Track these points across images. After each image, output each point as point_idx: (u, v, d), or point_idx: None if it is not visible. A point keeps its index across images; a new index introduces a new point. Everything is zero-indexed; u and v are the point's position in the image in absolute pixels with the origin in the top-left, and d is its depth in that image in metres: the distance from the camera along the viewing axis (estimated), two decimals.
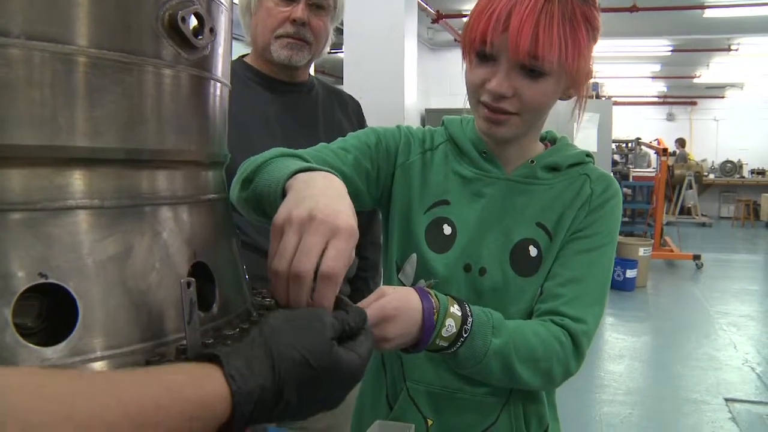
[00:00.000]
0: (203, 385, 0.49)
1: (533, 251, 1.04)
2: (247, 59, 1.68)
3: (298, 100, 1.67)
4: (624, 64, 12.36)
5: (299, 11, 1.55)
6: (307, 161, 0.90)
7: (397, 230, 1.11)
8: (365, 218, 1.86)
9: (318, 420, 1.62)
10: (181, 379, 0.48)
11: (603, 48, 12.30)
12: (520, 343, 0.96)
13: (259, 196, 0.85)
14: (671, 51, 11.17)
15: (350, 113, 1.78)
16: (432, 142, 1.14)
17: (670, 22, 9.00)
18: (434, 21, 8.55)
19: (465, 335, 0.91)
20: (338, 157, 1.04)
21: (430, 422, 1.08)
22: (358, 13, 2.80)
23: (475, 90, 0.99)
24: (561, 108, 1.08)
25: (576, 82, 1.00)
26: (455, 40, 9.10)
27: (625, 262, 7.03)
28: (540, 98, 0.97)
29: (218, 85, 0.71)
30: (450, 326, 0.91)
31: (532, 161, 1.08)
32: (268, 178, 0.83)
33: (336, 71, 11.62)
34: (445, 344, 0.92)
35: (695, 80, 14.34)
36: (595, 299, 1.03)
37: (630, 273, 6.98)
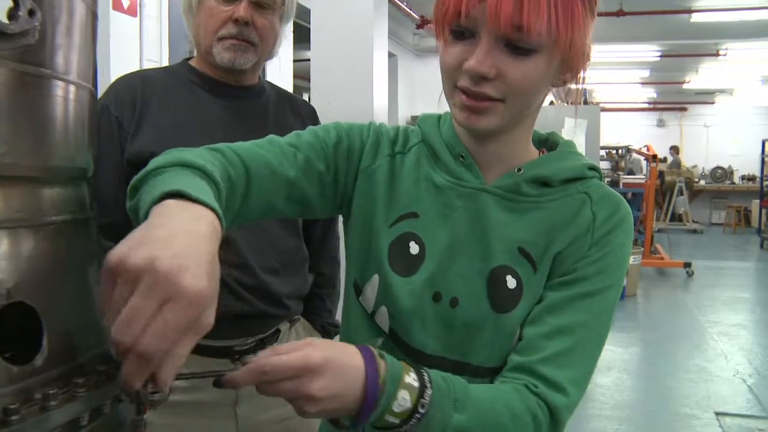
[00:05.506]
0: None
1: (511, 282, 0.86)
2: (192, 62, 1.56)
3: (246, 105, 1.55)
4: (613, 70, 12.27)
5: (241, 10, 1.43)
6: (205, 172, 0.73)
7: (356, 245, 0.94)
8: (320, 229, 1.71)
9: None
10: None
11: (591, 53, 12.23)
12: (488, 420, 0.77)
13: (135, 214, 0.70)
14: (660, 56, 11.08)
15: (304, 118, 1.65)
16: (405, 144, 0.96)
17: (658, 27, 8.92)
18: (419, 26, 8.45)
19: (422, 410, 0.73)
20: (285, 156, 0.88)
21: None
22: (325, 12, 2.64)
23: (451, 73, 0.82)
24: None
25: (570, 61, 0.82)
26: None
27: None
28: (528, 80, 0.80)
29: (66, 85, 0.58)
30: (404, 399, 0.72)
31: (519, 169, 0.89)
32: (146, 195, 0.67)
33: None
34: (397, 421, 0.73)
35: (685, 86, 14.28)
36: (586, 357, 0.84)
37: None
